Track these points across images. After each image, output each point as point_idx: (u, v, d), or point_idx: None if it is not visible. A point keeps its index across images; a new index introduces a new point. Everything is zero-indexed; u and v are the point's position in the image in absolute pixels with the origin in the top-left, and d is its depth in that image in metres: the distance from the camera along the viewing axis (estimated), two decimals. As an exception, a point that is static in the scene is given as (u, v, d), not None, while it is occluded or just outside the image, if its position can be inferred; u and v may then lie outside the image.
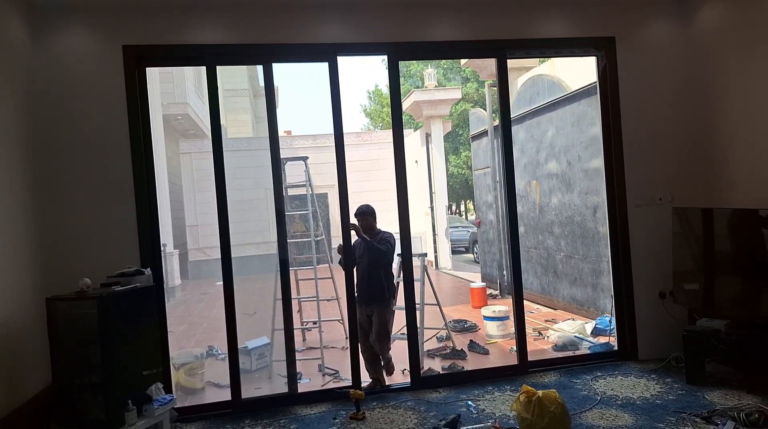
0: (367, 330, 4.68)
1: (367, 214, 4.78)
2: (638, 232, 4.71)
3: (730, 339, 4.01)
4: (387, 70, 4.55)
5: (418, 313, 5.46)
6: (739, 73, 4.36)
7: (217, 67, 4.22)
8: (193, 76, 14.58)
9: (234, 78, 20.75)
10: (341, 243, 4.48)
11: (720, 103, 4.56)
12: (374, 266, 4.65)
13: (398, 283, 5.32)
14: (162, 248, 4.27)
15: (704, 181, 4.70)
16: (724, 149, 4.54)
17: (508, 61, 4.69)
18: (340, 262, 4.54)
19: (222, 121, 20.14)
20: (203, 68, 4.25)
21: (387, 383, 4.67)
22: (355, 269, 4.65)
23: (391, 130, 4.62)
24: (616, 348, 4.89)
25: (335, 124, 4.39)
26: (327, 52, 4.34)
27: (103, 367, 3.19)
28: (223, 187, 4.20)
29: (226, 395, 4.52)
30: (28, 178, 3.67)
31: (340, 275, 6.49)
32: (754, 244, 4.08)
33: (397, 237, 4.71)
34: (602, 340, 5.44)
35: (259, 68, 4.40)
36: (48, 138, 3.88)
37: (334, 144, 4.42)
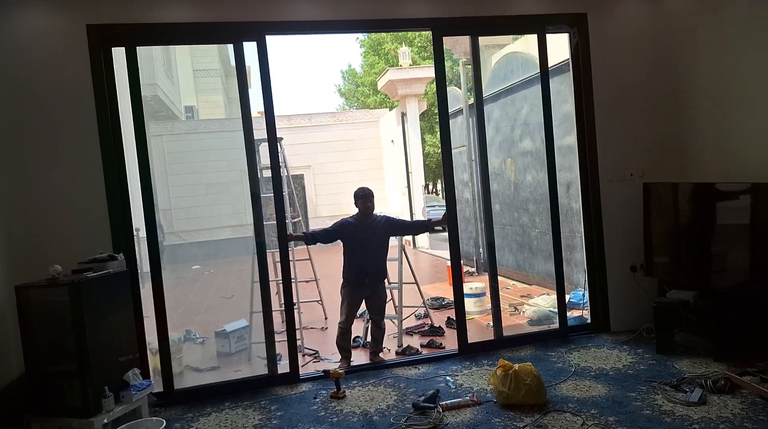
0: (358, 307, 4.73)
1: (369, 197, 4.68)
2: (610, 207, 4.79)
3: (698, 309, 4.14)
4: (432, 46, 4.56)
5: (396, 292, 5.51)
6: (709, 49, 4.43)
7: (188, 46, 4.13)
8: (162, 55, 14.21)
9: (205, 58, 20.28)
10: (291, 232, 4.53)
11: (690, 79, 4.63)
12: (384, 248, 4.70)
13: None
14: (135, 233, 4.20)
15: (675, 156, 4.79)
16: (695, 125, 4.63)
17: (482, 38, 4.69)
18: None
19: (193, 103, 19.76)
20: (172, 48, 4.15)
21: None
22: (344, 250, 4.71)
23: (438, 111, 4.64)
24: (589, 321, 5.01)
25: (266, 108, 4.35)
26: (255, 30, 4.22)
27: (78, 355, 3.16)
28: (148, 174, 4.14)
29: (205, 379, 4.53)
30: (-9, 164, 3.56)
31: (318, 257, 6.51)
32: (713, 217, 4.20)
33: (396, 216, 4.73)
34: (576, 313, 5.56)
35: (230, 47, 4.30)
36: (12, 124, 3.74)
37: (266, 128, 4.37)
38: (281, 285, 6.29)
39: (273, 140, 4.35)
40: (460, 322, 4.66)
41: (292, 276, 5.81)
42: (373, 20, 4.42)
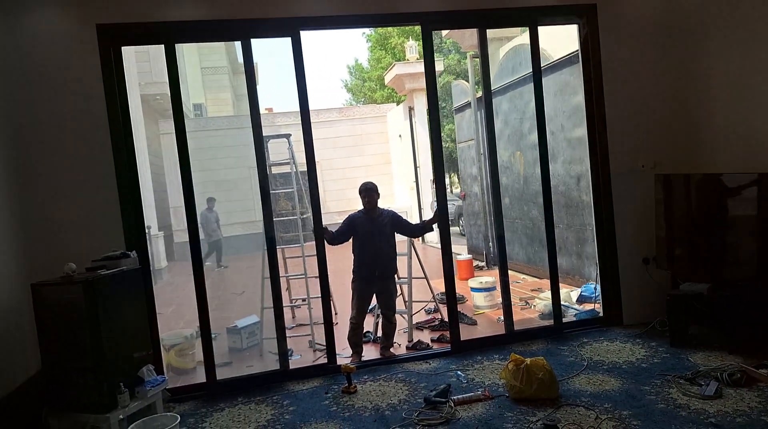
0: (368, 301, 4.74)
1: (372, 190, 4.72)
2: (621, 199, 4.76)
3: (712, 302, 4.10)
4: (422, 41, 4.55)
5: (406, 287, 5.50)
6: (719, 40, 4.37)
7: (195, 44, 4.15)
8: (170, 53, 14.27)
9: (212, 55, 20.34)
10: (325, 226, 4.52)
11: (701, 69, 4.57)
12: (391, 243, 4.72)
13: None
14: (147, 230, 4.23)
15: (686, 147, 4.74)
16: (706, 115, 4.58)
17: (490, 30, 4.66)
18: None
19: (201, 100, 19.80)
20: (179, 45, 4.16)
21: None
22: (354, 245, 4.72)
23: (427, 104, 4.62)
24: (601, 314, 4.98)
25: (301, 102, 4.34)
26: (291, 26, 4.24)
27: (93, 351, 3.19)
28: (188, 166, 4.16)
29: (219, 374, 4.54)
30: (5, 165, 3.58)
31: (326, 253, 6.50)
32: (726, 208, 4.17)
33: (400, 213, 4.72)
34: (588, 307, 5.54)
35: (238, 44, 4.30)
36: (25, 122, 3.77)
37: (301, 121, 4.35)
38: (291, 280, 6.36)
39: (308, 134, 4.33)
40: (452, 321, 4.61)
41: (301, 272, 5.85)
42: (361, 15, 4.36)
